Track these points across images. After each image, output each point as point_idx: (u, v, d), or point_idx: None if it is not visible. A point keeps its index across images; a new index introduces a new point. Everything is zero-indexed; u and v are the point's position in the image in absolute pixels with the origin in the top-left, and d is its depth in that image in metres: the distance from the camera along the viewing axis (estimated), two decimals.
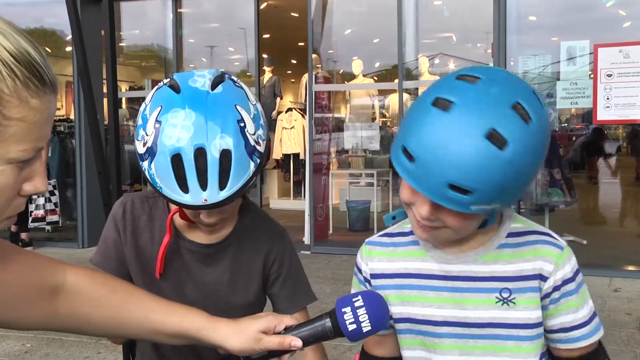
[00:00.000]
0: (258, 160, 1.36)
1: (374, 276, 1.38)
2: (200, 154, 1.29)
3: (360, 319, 1.18)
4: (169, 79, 1.40)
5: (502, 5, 6.53)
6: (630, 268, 6.30)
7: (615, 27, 7.11)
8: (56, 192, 8.12)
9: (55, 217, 8.15)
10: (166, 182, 1.32)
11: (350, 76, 9.35)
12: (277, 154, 10.74)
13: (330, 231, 8.26)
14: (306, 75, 9.28)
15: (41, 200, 8.00)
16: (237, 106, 1.34)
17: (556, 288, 1.27)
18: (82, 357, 4.30)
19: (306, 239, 7.71)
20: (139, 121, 1.38)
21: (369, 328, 1.18)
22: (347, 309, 1.18)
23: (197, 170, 1.29)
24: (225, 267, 1.55)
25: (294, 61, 13.86)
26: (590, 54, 6.38)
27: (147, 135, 1.33)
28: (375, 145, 8.66)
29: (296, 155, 10.46)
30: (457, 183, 1.09)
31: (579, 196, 8.09)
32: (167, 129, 1.30)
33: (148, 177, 1.36)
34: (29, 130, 0.87)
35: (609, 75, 6.05)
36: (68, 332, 1.24)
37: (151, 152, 1.32)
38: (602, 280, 5.89)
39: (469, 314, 1.28)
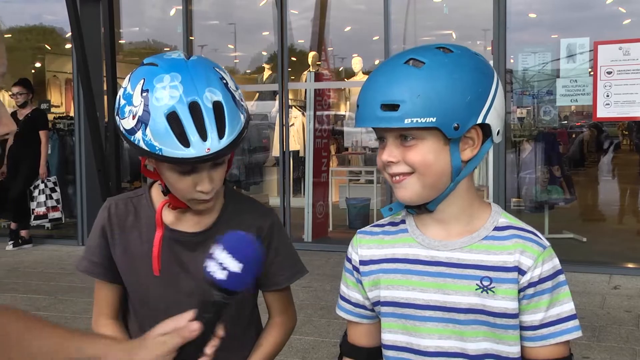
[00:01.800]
0: (246, 115, 1.43)
1: (363, 262, 1.43)
2: (194, 107, 1.33)
3: (224, 262, 1.14)
4: (140, 64, 1.45)
5: (502, 3, 6.52)
6: (630, 265, 6.30)
7: (615, 24, 7.11)
8: (57, 189, 8.12)
9: (57, 214, 8.15)
10: (165, 142, 1.33)
11: (350, 73, 9.35)
12: (276, 152, 10.73)
13: (330, 229, 8.26)
14: (306, 72, 9.27)
15: (42, 198, 8.00)
16: (214, 68, 1.42)
17: (532, 284, 1.30)
18: None
19: (306, 237, 7.71)
20: (121, 102, 1.41)
21: (241, 265, 1.15)
22: (209, 263, 1.16)
23: (194, 123, 1.33)
24: None
25: (293, 59, 13.87)
26: (590, 51, 6.38)
27: (134, 107, 1.36)
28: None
29: (296, 153, 10.45)
30: (385, 100, 1.26)
31: (578, 193, 8.10)
32: (156, 93, 1.34)
33: (144, 145, 1.35)
34: None
35: (609, 73, 6.05)
36: None
37: (143, 119, 1.34)
38: (601, 278, 5.89)
39: (449, 298, 1.32)
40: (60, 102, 11.64)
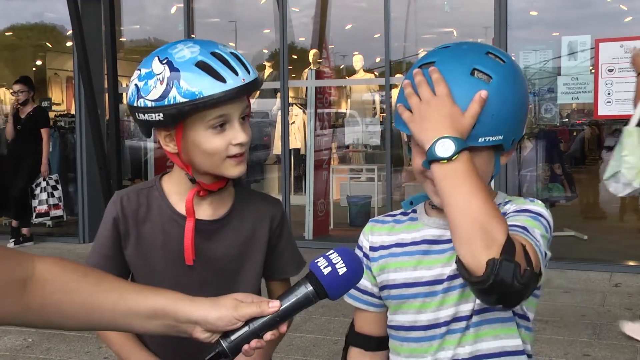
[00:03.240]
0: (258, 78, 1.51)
1: (373, 249, 1.46)
2: (216, 54, 1.43)
3: (334, 261, 1.17)
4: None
5: (503, 0, 6.51)
6: (631, 263, 6.30)
7: (616, 21, 7.11)
8: (59, 186, 8.12)
9: (59, 212, 8.16)
10: (204, 84, 1.40)
11: (351, 71, 9.35)
12: (277, 149, 10.72)
13: (331, 226, 8.27)
14: (307, 70, 9.27)
15: (44, 196, 8.00)
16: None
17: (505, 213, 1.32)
18: (83, 351, 4.31)
19: (307, 234, 7.71)
20: (139, 85, 1.45)
21: (345, 269, 1.16)
22: (320, 259, 1.18)
23: (223, 64, 1.42)
24: (232, 240, 1.58)
25: (294, 56, 13.85)
26: (591, 48, 6.37)
27: (158, 74, 1.42)
28: (376, 141, 8.66)
29: (297, 151, 10.45)
30: None
31: (579, 191, 8.10)
32: (177, 54, 1.43)
33: (182, 97, 1.39)
34: None
35: (610, 70, 6.05)
36: (43, 327, 1.19)
37: (174, 77, 1.41)
38: (602, 275, 5.89)
39: (444, 270, 1.35)
40: (61, 100, 11.65)
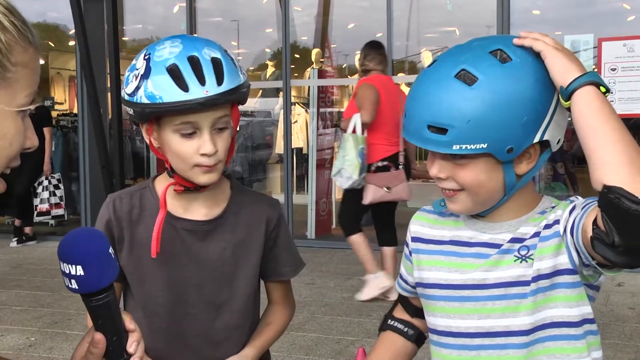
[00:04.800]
0: (245, 78, 1.46)
1: (414, 239, 1.43)
2: (193, 60, 1.39)
3: (68, 270, 1.01)
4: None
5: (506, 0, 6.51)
6: None
7: (619, 20, 7.09)
8: (61, 185, 8.13)
9: (60, 211, 8.17)
10: (165, 90, 1.38)
11: (354, 70, 9.33)
12: (279, 149, 10.72)
13: (333, 226, 8.26)
14: (309, 69, 9.27)
15: (46, 194, 8.01)
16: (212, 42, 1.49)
17: (566, 220, 1.23)
18: None
19: (309, 234, 7.71)
20: (128, 75, 1.46)
21: (82, 271, 1.00)
22: (64, 279, 1.02)
23: (193, 71, 1.38)
24: (227, 241, 1.56)
25: (296, 55, 13.84)
26: (594, 47, 6.36)
27: (137, 70, 1.42)
28: None
29: (299, 150, 10.45)
30: (433, 122, 1.18)
31: (582, 190, 8.08)
32: (157, 53, 1.41)
33: (145, 99, 1.39)
34: (30, 76, 0.93)
35: (613, 69, 6.03)
36: None
37: (145, 76, 1.40)
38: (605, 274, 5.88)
39: (488, 275, 1.28)
40: (64, 99, 11.65)
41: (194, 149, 1.43)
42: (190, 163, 1.44)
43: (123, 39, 9.25)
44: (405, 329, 1.49)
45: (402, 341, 1.50)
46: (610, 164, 1.08)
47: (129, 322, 1.06)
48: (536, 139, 1.20)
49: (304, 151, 9.97)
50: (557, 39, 1.25)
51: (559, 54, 1.17)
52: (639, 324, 4.58)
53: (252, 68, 12.80)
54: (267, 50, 11.12)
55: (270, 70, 11.02)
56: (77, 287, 1.02)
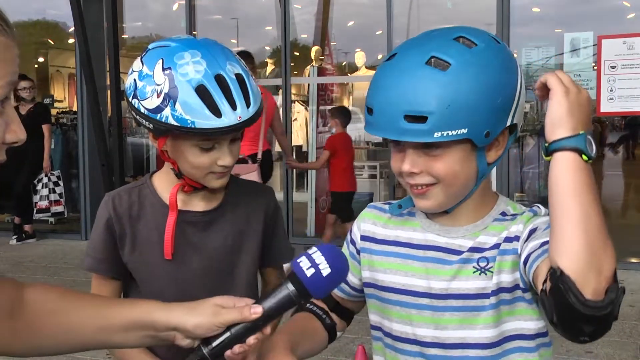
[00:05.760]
0: (258, 90, 1.47)
1: (364, 238, 1.40)
2: (220, 79, 1.38)
3: (317, 261, 1.11)
4: (146, 50, 1.46)
5: None
6: (633, 260, 6.29)
7: (619, 18, 7.09)
8: (60, 183, 8.13)
9: (60, 208, 8.17)
10: (198, 115, 1.36)
11: (354, 68, 9.33)
12: (279, 146, 10.71)
13: None
14: (309, 67, 9.26)
15: (45, 192, 8.01)
16: (224, 47, 1.48)
17: (524, 237, 1.22)
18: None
19: (309, 231, 7.71)
20: (138, 84, 1.41)
21: (329, 270, 1.11)
22: (302, 258, 1.13)
23: (224, 94, 1.37)
24: (228, 230, 1.58)
25: (296, 53, 13.82)
26: (593, 45, 6.35)
27: (158, 85, 1.38)
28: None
29: (299, 147, 10.44)
30: (410, 111, 1.15)
31: None
32: (180, 69, 1.37)
33: (174, 121, 1.37)
34: (1, 67, 0.89)
35: (613, 67, 6.03)
36: (30, 354, 1.17)
37: (171, 96, 1.37)
38: None
39: (446, 285, 1.27)
40: (63, 97, 11.64)
41: (212, 161, 1.45)
42: (206, 171, 1.47)
43: (123, 36, 9.24)
44: (324, 316, 1.45)
45: (319, 325, 1.44)
46: (569, 248, 1.01)
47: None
48: (508, 122, 1.21)
49: (304, 149, 9.97)
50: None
51: (564, 102, 1.08)
52: (639, 321, 4.58)
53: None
54: (267, 47, 11.11)
55: (270, 68, 11.02)
56: (307, 277, 1.11)
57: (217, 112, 1.36)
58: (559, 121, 1.07)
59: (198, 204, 1.57)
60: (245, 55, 5.57)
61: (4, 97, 0.91)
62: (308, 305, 1.46)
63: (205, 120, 1.36)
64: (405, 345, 1.33)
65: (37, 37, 11.70)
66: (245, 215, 1.61)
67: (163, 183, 1.57)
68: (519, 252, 1.21)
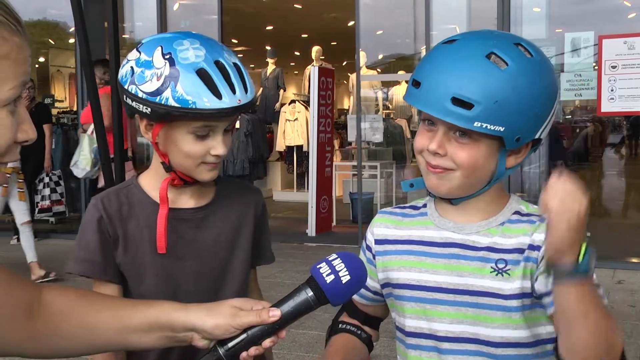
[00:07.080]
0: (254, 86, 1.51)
1: (378, 242, 1.43)
2: (220, 65, 1.41)
3: (337, 268, 1.13)
4: (140, 43, 1.47)
5: None
6: (634, 260, 6.29)
7: (619, 18, 7.08)
8: (61, 182, 8.13)
9: (61, 208, 8.17)
10: (199, 95, 1.38)
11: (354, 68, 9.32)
12: (280, 146, 10.73)
13: (334, 223, 8.27)
14: (310, 67, 9.26)
15: (47, 191, 8.01)
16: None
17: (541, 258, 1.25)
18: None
19: (310, 231, 7.71)
20: (136, 70, 1.42)
21: (348, 277, 1.13)
22: (322, 264, 1.15)
23: (223, 77, 1.40)
24: (221, 227, 1.58)
25: (297, 53, 13.83)
26: (594, 45, 6.35)
27: (158, 69, 1.40)
28: (379, 137, 8.64)
29: (299, 148, 10.45)
30: (460, 95, 1.19)
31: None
32: (180, 54, 1.40)
33: (174, 102, 1.38)
34: (11, 68, 0.89)
35: (614, 67, 6.03)
36: (47, 356, 1.17)
37: (172, 77, 1.38)
38: (605, 272, 5.88)
39: (462, 280, 1.30)
40: (64, 96, 11.65)
41: (206, 150, 1.45)
42: (199, 161, 1.46)
43: (123, 36, 9.24)
44: (359, 332, 1.50)
45: (358, 341, 1.50)
46: (580, 355, 1.11)
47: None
48: (537, 136, 1.25)
49: (305, 149, 9.97)
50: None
51: (565, 227, 1.05)
52: (639, 321, 4.58)
53: (252, 66, 12.80)
54: (268, 47, 11.12)
55: (270, 67, 11.02)
56: (327, 283, 1.13)
57: (217, 94, 1.38)
58: (562, 246, 1.07)
59: (188, 201, 1.56)
60: (104, 64, 6.06)
61: (16, 96, 0.91)
62: (340, 325, 1.52)
63: (206, 101, 1.38)
64: (421, 341, 1.35)
65: (37, 36, 11.71)
66: (238, 212, 1.61)
67: (150, 182, 1.57)
68: (538, 261, 1.25)
